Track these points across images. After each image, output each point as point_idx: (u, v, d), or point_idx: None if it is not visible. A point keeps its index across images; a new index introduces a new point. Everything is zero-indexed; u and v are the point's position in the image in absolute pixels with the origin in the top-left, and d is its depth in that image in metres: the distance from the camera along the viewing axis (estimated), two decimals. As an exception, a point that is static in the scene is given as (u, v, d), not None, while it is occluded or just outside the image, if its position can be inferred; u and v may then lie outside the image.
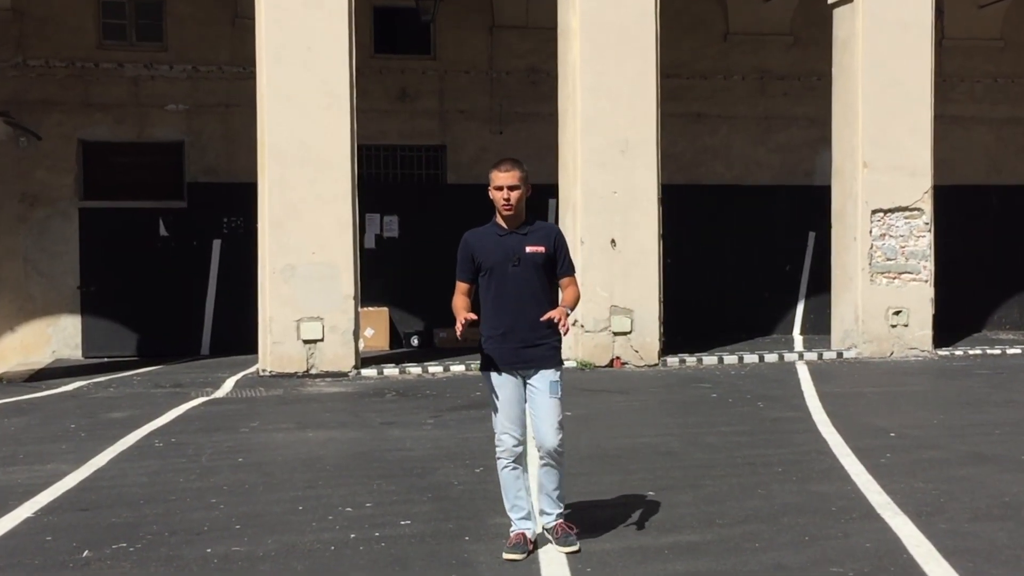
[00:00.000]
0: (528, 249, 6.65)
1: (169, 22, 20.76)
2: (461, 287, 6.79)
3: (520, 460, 6.71)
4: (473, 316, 6.47)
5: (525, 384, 6.67)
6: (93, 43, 20.43)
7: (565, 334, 6.63)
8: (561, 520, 6.77)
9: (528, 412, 6.68)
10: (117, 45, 20.61)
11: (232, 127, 20.52)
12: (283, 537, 7.23)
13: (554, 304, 6.69)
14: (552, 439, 6.57)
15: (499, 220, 6.73)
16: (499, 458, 6.71)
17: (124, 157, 20.65)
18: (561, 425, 6.63)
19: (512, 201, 6.62)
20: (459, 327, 6.48)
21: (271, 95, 16.21)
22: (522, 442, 6.67)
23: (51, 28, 20.24)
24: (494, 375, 6.67)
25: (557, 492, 6.74)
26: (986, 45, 23.51)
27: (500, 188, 6.63)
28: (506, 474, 6.70)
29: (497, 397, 6.66)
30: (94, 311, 20.28)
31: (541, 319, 6.50)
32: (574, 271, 6.89)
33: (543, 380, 6.62)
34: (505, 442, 6.65)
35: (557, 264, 6.75)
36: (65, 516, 7.95)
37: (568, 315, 6.53)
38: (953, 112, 22.67)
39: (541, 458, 6.65)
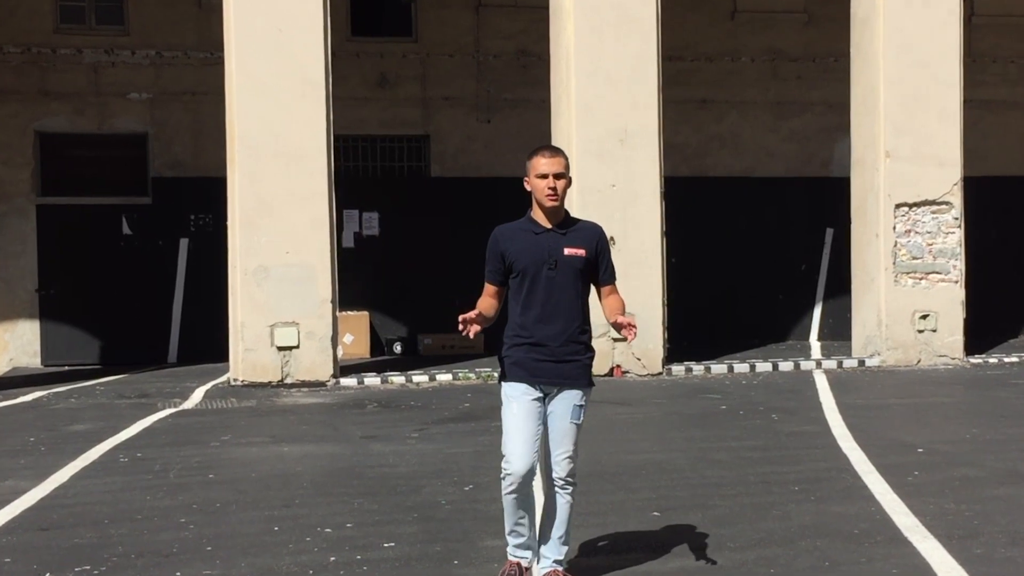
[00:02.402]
0: (567, 251, 6.33)
1: (130, 4, 20.76)
2: (488, 289, 6.45)
3: (527, 488, 6.32)
4: (475, 314, 6.16)
5: (546, 401, 6.37)
6: (50, 27, 20.43)
7: (632, 337, 6.25)
8: (559, 569, 6.45)
9: (544, 435, 6.39)
10: (75, 29, 20.60)
11: (199, 117, 20.51)
12: (257, 560, 7.22)
13: (588, 315, 6.45)
14: (565, 467, 6.36)
15: (536, 215, 6.40)
16: (503, 479, 6.33)
17: (84, 150, 20.65)
18: (576, 454, 6.41)
19: (559, 191, 6.29)
20: (461, 325, 6.12)
21: (241, 82, 16.19)
22: (533, 468, 6.29)
23: (4, 11, 20.21)
24: (513, 387, 6.35)
25: (560, 533, 6.42)
26: (1020, 23, 23.52)
27: (544, 176, 6.29)
28: (510, 500, 6.35)
29: (512, 410, 6.32)
30: (53, 316, 20.27)
31: (609, 321, 6.35)
32: (615, 278, 6.59)
33: (566, 402, 6.35)
34: (513, 466, 6.24)
35: (599, 269, 6.47)
36: (24, 536, 7.94)
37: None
38: (984, 96, 22.68)
39: (548, 483, 6.44)
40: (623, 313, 6.45)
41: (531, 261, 6.32)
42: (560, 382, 6.34)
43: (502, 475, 6.32)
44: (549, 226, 6.37)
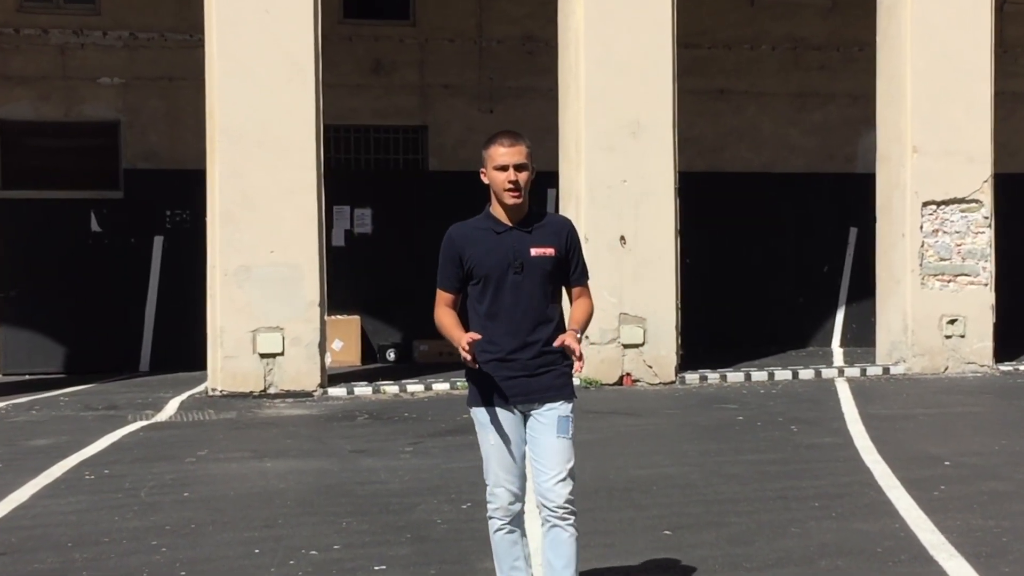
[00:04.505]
0: (534, 251, 6.02)
1: (103, -19, 20.75)
2: (444, 298, 6.17)
3: (517, 521, 6.09)
4: (477, 336, 5.87)
5: (526, 421, 6.07)
6: (13, 5, 20.38)
7: (579, 369, 5.95)
8: None
9: (529, 457, 6.06)
10: (41, 8, 20.54)
11: (177, 104, 20.47)
12: (236, 585, 7.23)
13: (563, 321, 6.12)
14: (559, 493, 5.92)
15: (496, 212, 6.09)
16: (491, 517, 6.09)
17: (50, 139, 20.59)
18: (572, 474, 5.98)
19: (521, 185, 5.97)
20: (467, 355, 5.81)
21: (223, 67, 16.19)
22: (520, 498, 6.06)
23: (-37, -12, 20.23)
24: (485, 411, 6.05)
25: (569, 573, 5.99)
26: (1056, 10, 23.53)
27: (503, 168, 5.95)
28: (499, 538, 6.09)
29: (489, 440, 6.04)
30: (14, 320, 20.22)
31: (555, 344, 5.91)
32: (588, 279, 6.30)
33: (550, 416, 5.99)
34: (499, 497, 6.03)
35: (570, 269, 6.18)
36: (-19, 560, 7.93)
37: (580, 340, 5.97)
38: (1016, 88, 22.69)
39: (546, 519, 5.99)
40: (585, 325, 6.17)
41: (494, 265, 6.02)
42: (539, 396, 6.02)
43: (488, 513, 6.10)
44: (511, 224, 6.07)
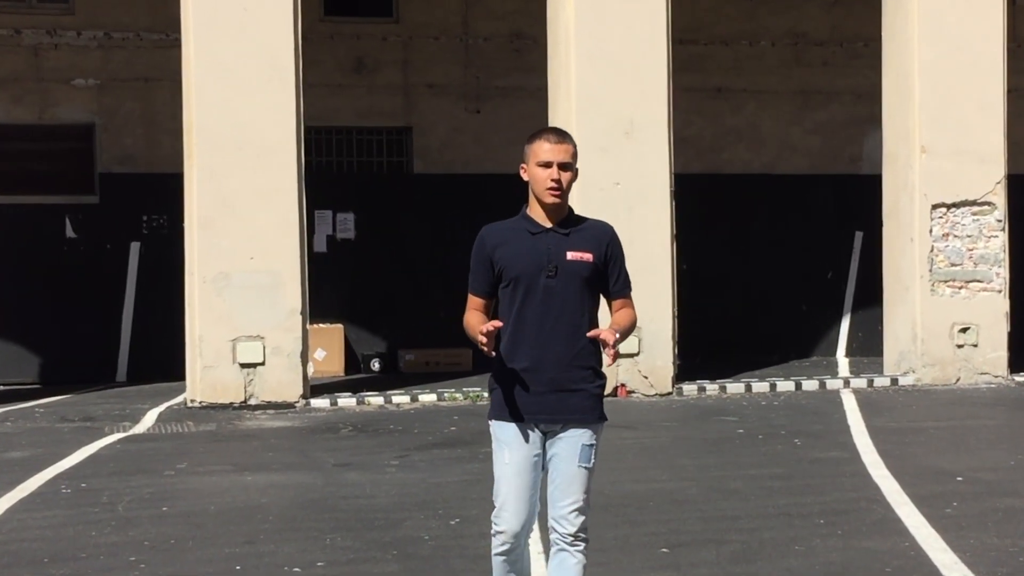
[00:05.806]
0: (570, 255, 5.84)
1: (76, -22, 20.74)
2: (474, 302, 5.95)
3: (521, 547, 5.93)
4: (497, 323, 5.69)
5: (546, 442, 5.89)
6: (-17, 4, 20.41)
7: (611, 362, 5.70)
8: None
9: (546, 480, 5.93)
10: (13, 7, 20.52)
11: (153, 106, 20.46)
12: (216, 605, 7.22)
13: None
14: (573, 522, 5.80)
15: (533, 212, 5.95)
16: (494, 536, 5.90)
17: (22, 143, 20.57)
18: (587, 504, 5.85)
19: (563, 185, 5.86)
20: (484, 342, 5.62)
21: (200, 67, 16.18)
22: (528, 527, 5.88)
23: (-69, -15, 20.20)
24: (504, 426, 5.89)
25: None
26: (1068, 5, 23.57)
27: (547, 165, 5.85)
28: (500, 562, 5.92)
29: (504, 458, 5.88)
30: (-15, 330, 20.21)
31: (589, 334, 5.76)
32: (631, 290, 6.11)
33: (573, 442, 5.82)
34: (504, 520, 5.84)
35: (609, 279, 6.01)
36: (-50, 580, 7.93)
37: (619, 341, 5.69)
38: (1029, 85, 22.73)
39: (555, 542, 5.87)
40: (627, 330, 5.92)
41: (526, 267, 5.84)
42: (564, 418, 5.83)
43: (492, 531, 5.92)
44: (549, 225, 5.91)
